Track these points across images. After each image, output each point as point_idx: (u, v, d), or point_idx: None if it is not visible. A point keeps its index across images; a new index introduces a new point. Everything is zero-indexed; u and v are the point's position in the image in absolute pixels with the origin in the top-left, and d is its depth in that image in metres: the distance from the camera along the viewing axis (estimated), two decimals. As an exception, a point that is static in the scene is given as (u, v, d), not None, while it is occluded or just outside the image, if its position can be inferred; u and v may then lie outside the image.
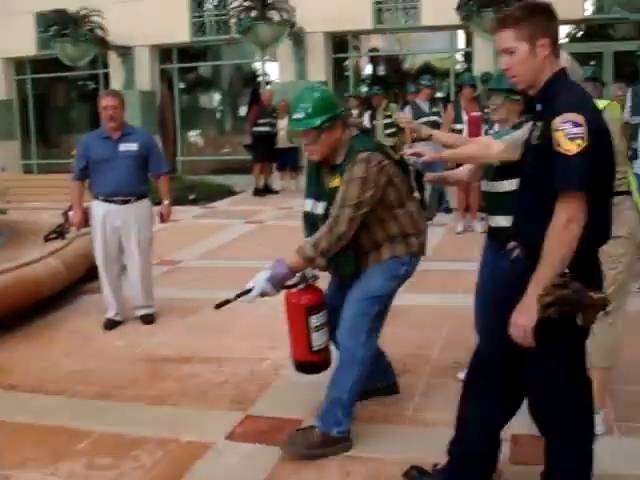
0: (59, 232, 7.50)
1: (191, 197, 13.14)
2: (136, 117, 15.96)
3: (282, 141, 14.40)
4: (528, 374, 2.94)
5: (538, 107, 2.87)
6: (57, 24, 15.37)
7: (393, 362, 4.54)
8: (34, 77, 18.45)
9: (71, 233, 7.49)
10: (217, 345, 5.55)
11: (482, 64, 13.88)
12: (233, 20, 14.08)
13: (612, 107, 3.82)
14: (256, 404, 4.41)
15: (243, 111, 18.41)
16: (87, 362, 5.31)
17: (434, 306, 6.26)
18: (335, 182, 3.77)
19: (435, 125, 11.16)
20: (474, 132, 8.79)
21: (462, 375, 4.32)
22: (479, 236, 9.04)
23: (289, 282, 3.83)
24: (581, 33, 15.45)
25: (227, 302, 3.80)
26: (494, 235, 4.09)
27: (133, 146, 6.09)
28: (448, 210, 10.66)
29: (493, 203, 4.15)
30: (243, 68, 18.84)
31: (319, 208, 3.89)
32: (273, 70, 17.25)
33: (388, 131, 12.39)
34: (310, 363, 3.99)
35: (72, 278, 6.98)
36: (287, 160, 14.81)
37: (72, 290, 7.08)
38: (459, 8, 12.58)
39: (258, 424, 4.14)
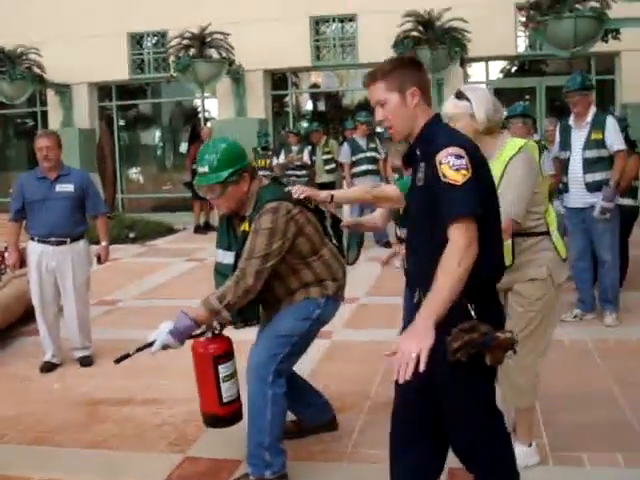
0: (-7, 274, 7.39)
1: (131, 235, 13.03)
2: (75, 155, 15.87)
3: (221, 178, 14.42)
4: (446, 418, 2.95)
5: (417, 152, 2.90)
6: (-6, 62, 15.19)
7: (332, 399, 4.57)
8: (-31, 114, 18.19)
9: (6, 274, 7.39)
10: (155, 386, 5.51)
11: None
12: (172, 58, 14.08)
13: (530, 147, 3.87)
14: (194, 445, 4.39)
15: (183, 148, 18.45)
16: (23, 406, 5.21)
17: (374, 342, 6.29)
18: (244, 226, 3.76)
19: (373, 161, 11.38)
20: None
21: None
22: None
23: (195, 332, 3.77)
24: (514, 69, 15.87)
25: (127, 356, 3.78)
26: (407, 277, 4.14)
27: (69, 187, 6.06)
28: (387, 244, 10.77)
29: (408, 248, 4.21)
30: (183, 105, 18.88)
31: (228, 258, 3.87)
32: (213, 107, 17.33)
33: (328, 167, 12.56)
34: (221, 416, 3.86)
35: (7, 320, 6.87)
36: (227, 197, 14.78)
37: (8, 332, 6.96)
38: (395, 46, 12.84)
39: (197, 466, 4.11)
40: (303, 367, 4.54)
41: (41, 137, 6.11)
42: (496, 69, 15.56)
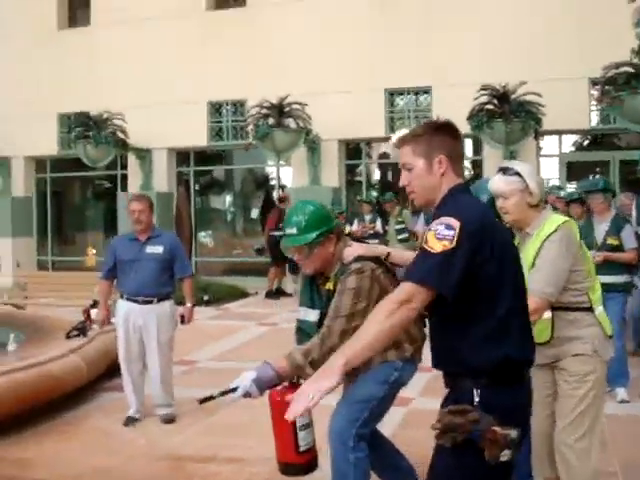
0: (81, 329, 7.66)
1: (205, 298, 13.28)
2: (153, 218, 16.34)
3: (295, 244, 14.66)
4: None
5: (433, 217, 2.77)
6: (80, 126, 15.84)
7: (413, 464, 4.62)
8: (53, 176, 18.92)
9: (92, 331, 7.65)
10: (238, 445, 5.63)
11: (491, 170, 14.27)
12: (250, 127, 14.48)
13: (569, 225, 3.79)
14: (279, 503, 4.48)
15: (254, 214, 18.91)
16: (109, 459, 5.39)
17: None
18: (329, 285, 3.88)
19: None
20: None
21: None
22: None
23: None
24: (587, 142, 15.90)
25: (211, 398, 3.78)
26: None
27: (159, 249, 6.32)
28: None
29: None
30: (254, 172, 19.34)
31: (312, 315, 3.98)
32: (285, 175, 17.76)
33: (401, 237, 12.71)
34: (297, 464, 3.89)
35: (92, 375, 7.08)
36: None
37: (92, 387, 7.17)
38: (470, 118, 13.01)
39: (282, 524, 4.20)
40: (383, 432, 4.61)
41: (133, 201, 6.41)
42: (569, 142, 15.59)
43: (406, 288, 2.52)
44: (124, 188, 17.53)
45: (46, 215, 18.98)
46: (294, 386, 3.82)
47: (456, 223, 2.52)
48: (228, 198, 19.81)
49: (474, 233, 2.54)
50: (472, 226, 2.55)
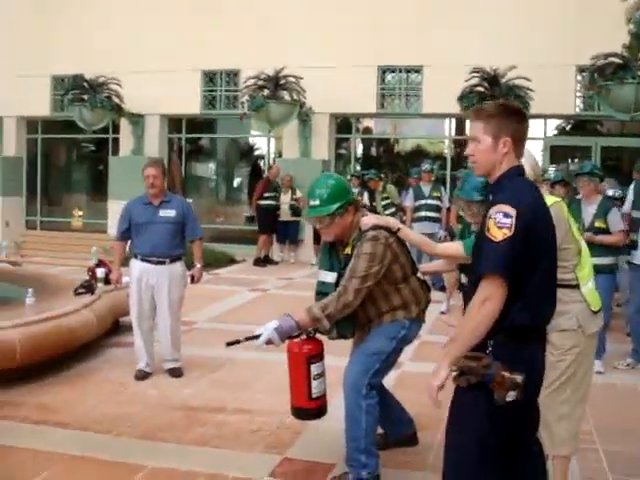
0: (87, 287, 7.99)
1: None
2: (142, 183, 16.58)
3: (284, 214, 15.09)
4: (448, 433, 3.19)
5: (491, 197, 3.18)
6: (76, 89, 16.00)
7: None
8: (44, 137, 19.09)
9: (98, 289, 8.00)
10: (244, 399, 6.05)
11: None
12: (246, 97, 14.75)
13: (559, 205, 4.04)
14: (290, 449, 4.91)
15: (237, 182, 19.41)
16: (126, 407, 5.78)
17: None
18: (347, 250, 4.29)
19: (435, 208, 11.90)
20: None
21: None
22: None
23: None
24: (571, 127, 16.35)
25: (237, 342, 4.27)
26: None
27: (172, 212, 6.67)
28: (442, 288, 11.21)
29: (467, 296, 4.56)
30: (242, 141, 19.68)
31: (330, 277, 4.35)
32: (261, 144, 18.53)
33: (387, 212, 13.08)
34: (309, 409, 4.34)
35: (101, 330, 7.45)
36: (288, 233, 15.43)
37: (98, 342, 7.54)
38: (461, 99, 13.39)
39: (296, 466, 4.64)
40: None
41: (149, 166, 6.73)
42: (553, 126, 16.03)
43: (483, 284, 2.89)
44: (115, 152, 17.75)
45: (36, 176, 19.16)
46: (310, 339, 4.32)
47: (512, 211, 2.88)
48: (214, 166, 20.09)
49: (527, 221, 2.90)
50: (526, 214, 2.90)
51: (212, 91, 16.96)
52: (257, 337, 4.12)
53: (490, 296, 2.87)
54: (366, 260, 4.10)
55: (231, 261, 15.12)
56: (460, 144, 16.28)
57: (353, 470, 4.26)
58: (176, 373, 6.71)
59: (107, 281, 8.48)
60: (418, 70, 15.53)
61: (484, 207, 4.16)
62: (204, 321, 9.14)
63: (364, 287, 4.11)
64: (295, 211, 15.11)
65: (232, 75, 16.72)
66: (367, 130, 18.28)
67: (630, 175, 10.74)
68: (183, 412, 5.70)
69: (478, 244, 3.09)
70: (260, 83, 14.57)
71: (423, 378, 6.03)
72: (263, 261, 15.05)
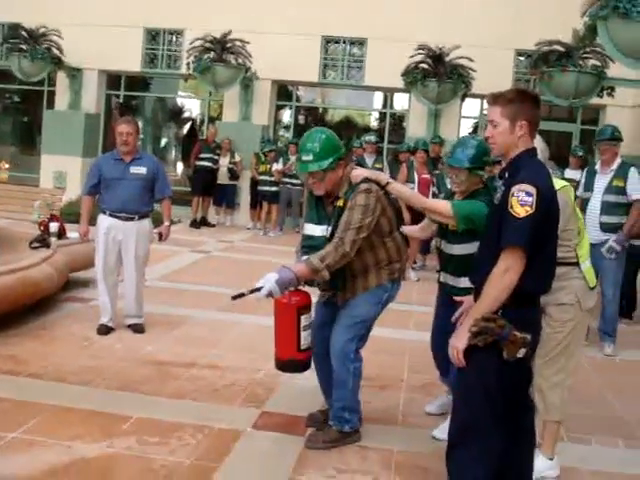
0: (42, 241, 7.99)
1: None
2: (79, 138, 16.45)
3: (222, 177, 15.18)
4: (455, 389, 3.56)
5: (506, 175, 3.40)
6: (13, 38, 15.63)
7: (371, 379, 5.40)
8: (-26, 86, 18.56)
9: (52, 244, 8.00)
10: (212, 355, 6.24)
11: (416, 126, 15.18)
12: (192, 59, 14.70)
13: (566, 190, 4.30)
14: (267, 403, 5.15)
15: (163, 143, 19.77)
16: (96, 360, 5.90)
17: (394, 338, 7.07)
18: (339, 203, 4.35)
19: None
20: (423, 192, 9.78)
21: (430, 408, 5.11)
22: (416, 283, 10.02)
23: None
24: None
25: (242, 295, 4.24)
26: (442, 288, 4.84)
27: (142, 170, 6.75)
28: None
29: (443, 261, 4.80)
30: (166, 101, 19.71)
31: (318, 231, 4.45)
32: (194, 106, 18.87)
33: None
34: (296, 361, 4.39)
35: (60, 284, 7.50)
36: (225, 196, 15.54)
37: (53, 297, 7.56)
38: (405, 74, 13.70)
39: (275, 418, 4.89)
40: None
41: (122, 123, 6.78)
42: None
43: (505, 256, 3.19)
44: (50, 106, 17.40)
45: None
46: (298, 291, 4.34)
47: (533, 190, 3.17)
48: (147, 126, 19.90)
49: (546, 199, 3.21)
50: (545, 193, 3.21)
51: (154, 49, 16.79)
52: (259, 289, 4.16)
53: (511, 267, 3.18)
54: (360, 212, 4.22)
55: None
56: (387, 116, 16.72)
57: (336, 424, 4.52)
58: (139, 329, 6.84)
59: (59, 235, 8.52)
60: (362, 42, 15.74)
61: (473, 178, 4.52)
62: (154, 279, 9.19)
63: (359, 238, 4.23)
64: (233, 174, 15.23)
65: (176, 34, 16.61)
66: (300, 99, 18.45)
67: (560, 159, 11.30)
68: (154, 366, 5.85)
69: (494, 219, 3.37)
70: (207, 45, 14.54)
71: (381, 342, 6.34)
72: (199, 223, 15.13)
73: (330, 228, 4.39)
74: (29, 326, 6.72)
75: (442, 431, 4.48)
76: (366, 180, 4.32)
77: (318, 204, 4.54)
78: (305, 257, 4.34)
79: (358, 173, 4.40)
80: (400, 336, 7.15)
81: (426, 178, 10.67)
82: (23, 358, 5.80)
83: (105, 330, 6.72)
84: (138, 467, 4.07)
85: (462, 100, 14.75)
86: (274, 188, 14.65)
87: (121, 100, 17.82)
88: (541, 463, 4.21)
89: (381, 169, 12.18)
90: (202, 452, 4.31)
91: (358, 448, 4.52)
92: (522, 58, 14.87)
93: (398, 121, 17.23)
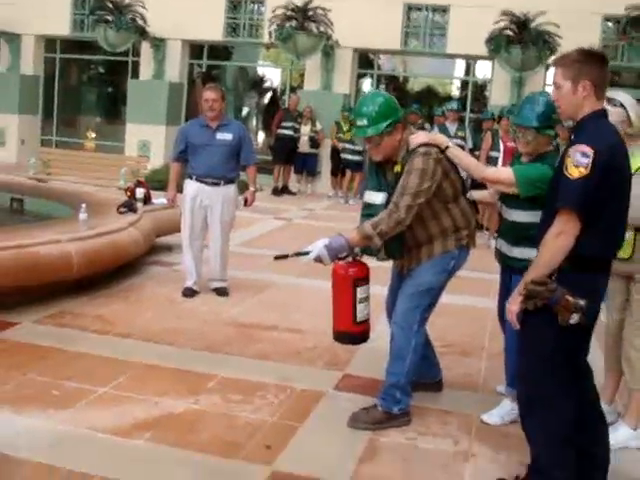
0: (128, 206, 8.18)
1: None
2: (163, 107, 16.73)
3: (303, 146, 15.24)
4: (518, 353, 3.49)
5: (572, 137, 3.24)
6: (99, 9, 15.96)
7: (453, 345, 5.35)
8: (62, 57, 19.04)
9: (139, 209, 8.20)
10: (294, 319, 6.33)
11: (500, 94, 14.89)
12: (274, 27, 14.76)
13: None
14: (349, 366, 5.21)
15: (245, 112, 19.86)
16: (181, 322, 6.06)
17: (473, 306, 7.08)
18: (397, 168, 4.14)
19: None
20: (509, 161, 9.58)
21: (500, 388, 4.86)
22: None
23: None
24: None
25: (285, 257, 4.23)
26: (498, 255, 4.47)
27: (229, 136, 6.84)
28: (480, 227, 11.46)
29: (501, 226, 4.49)
30: (256, 71, 19.83)
31: (378, 198, 4.22)
32: (275, 75, 19.01)
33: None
34: (353, 333, 4.26)
35: (146, 248, 7.70)
36: (306, 165, 15.63)
37: (139, 261, 7.77)
38: (489, 41, 13.47)
39: (357, 381, 4.95)
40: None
41: (209, 90, 6.88)
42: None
43: (559, 218, 3.11)
44: (135, 75, 17.75)
45: (52, 96, 19.16)
46: (356, 262, 4.25)
47: (590, 151, 3.04)
48: (229, 95, 20.07)
49: (604, 161, 3.06)
50: (603, 155, 3.06)
51: (236, 19, 16.91)
52: (306, 253, 4.11)
53: (564, 230, 3.10)
54: (418, 176, 4.00)
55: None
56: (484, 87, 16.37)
57: (384, 404, 4.30)
58: (223, 292, 6.97)
59: (145, 201, 8.73)
60: (445, 9, 15.51)
61: (541, 138, 4.16)
62: (236, 245, 9.31)
63: (416, 204, 4.01)
64: (314, 143, 15.28)
65: (257, 3, 16.68)
66: (381, 68, 18.33)
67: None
68: (237, 329, 5.98)
69: (554, 179, 3.28)
70: (288, 13, 14.57)
71: (459, 310, 6.28)
72: (280, 191, 15.26)
73: (386, 195, 4.22)
74: (116, 288, 6.93)
75: (490, 416, 4.43)
76: (424, 144, 4.10)
77: (378, 171, 4.35)
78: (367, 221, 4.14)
79: (416, 139, 4.14)
80: (481, 305, 7.11)
81: (511, 146, 10.48)
82: (111, 319, 6.00)
83: (190, 293, 6.88)
84: (223, 423, 4.18)
85: (547, 68, 14.40)
86: (357, 157, 14.55)
87: (203, 69, 18.02)
88: (624, 433, 4.14)
89: (463, 138, 12.08)
90: (285, 411, 4.39)
91: (439, 412, 4.54)
92: (610, 23, 14.42)
93: (480, 90, 16.99)
